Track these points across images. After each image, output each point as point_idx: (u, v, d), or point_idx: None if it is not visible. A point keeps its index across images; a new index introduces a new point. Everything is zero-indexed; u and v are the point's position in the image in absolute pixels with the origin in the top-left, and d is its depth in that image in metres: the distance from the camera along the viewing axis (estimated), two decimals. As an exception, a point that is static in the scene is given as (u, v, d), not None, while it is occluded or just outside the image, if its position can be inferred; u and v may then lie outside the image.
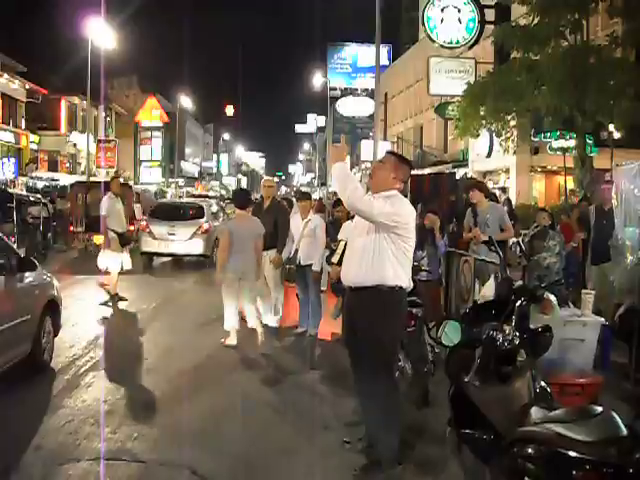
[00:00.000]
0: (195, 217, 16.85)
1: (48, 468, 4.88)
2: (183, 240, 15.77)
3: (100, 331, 9.35)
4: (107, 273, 11.36)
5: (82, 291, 12.77)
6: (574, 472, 2.71)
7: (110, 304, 11.14)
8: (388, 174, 4.92)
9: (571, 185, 17.60)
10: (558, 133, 19.10)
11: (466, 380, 3.67)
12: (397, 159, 5.11)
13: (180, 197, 43.07)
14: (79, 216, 19.98)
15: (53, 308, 7.65)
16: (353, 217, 7.87)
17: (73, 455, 5.08)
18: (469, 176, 24.78)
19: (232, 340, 8.61)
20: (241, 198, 8.98)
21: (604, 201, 9.29)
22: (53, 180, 31.05)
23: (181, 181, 63.25)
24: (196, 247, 15.87)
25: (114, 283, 11.34)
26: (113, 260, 11.28)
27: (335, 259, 6.17)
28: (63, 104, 44.12)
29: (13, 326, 6.37)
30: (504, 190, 20.51)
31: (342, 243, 5.78)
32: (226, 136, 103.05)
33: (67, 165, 44.97)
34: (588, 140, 16.50)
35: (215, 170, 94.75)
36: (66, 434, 5.49)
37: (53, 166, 42.49)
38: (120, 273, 11.43)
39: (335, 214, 9.77)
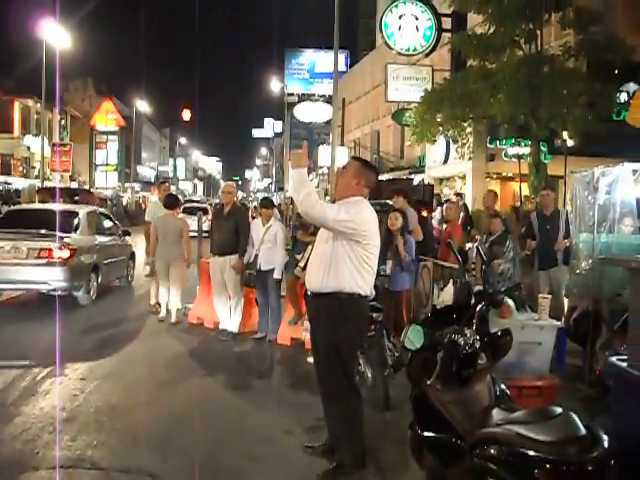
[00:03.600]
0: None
1: (6, 478, 4.79)
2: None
3: (54, 336, 9.17)
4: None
5: (40, 296, 12.59)
6: (536, 471, 2.78)
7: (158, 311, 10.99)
8: (351, 180, 4.91)
9: (526, 191, 17.89)
10: (513, 140, 19.40)
11: (428, 383, 3.72)
12: (361, 165, 5.08)
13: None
14: None
15: (133, 256, 14.80)
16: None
17: (31, 464, 4.99)
18: (426, 182, 25.05)
19: (162, 313, 10.63)
20: (170, 201, 10.98)
21: (544, 207, 9.53)
22: (7, 184, 30.46)
23: (137, 186, 62.56)
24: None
25: (154, 292, 11.16)
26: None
27: (302, 264, 6.18)
28: (16, 106, 43.35)
29: (122, 259, 13.83)
30: (460, 196, 20.74)
31: (309, 248, 5.79)
32: (183, 140, 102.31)
33: (21, 169, 44.15)
34: (542, 147, 16.80)
35: (171, 175, 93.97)
36: (24, 442, 5.39)
37: (6, 169, 41.69)
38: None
39: (303, 220, 9.75)
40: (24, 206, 14.77)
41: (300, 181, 4.69)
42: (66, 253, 10.93)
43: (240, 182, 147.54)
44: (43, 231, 11.12)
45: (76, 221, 11.98)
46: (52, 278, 10.82)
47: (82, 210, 12.75)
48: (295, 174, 4.72)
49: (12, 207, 15.96)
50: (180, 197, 65.56)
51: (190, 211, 26.33)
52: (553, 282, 8.95)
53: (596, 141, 15.63)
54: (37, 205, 15.59)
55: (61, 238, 10.99)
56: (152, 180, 75.02)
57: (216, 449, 5.43)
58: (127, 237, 14.32)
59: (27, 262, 10.79)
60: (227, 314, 9.52)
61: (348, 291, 4.71)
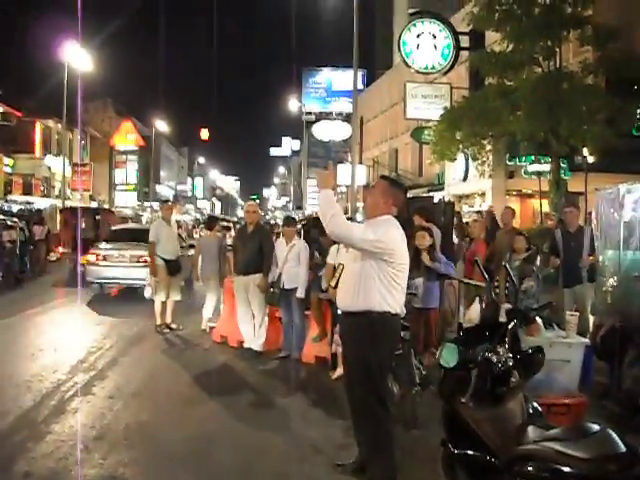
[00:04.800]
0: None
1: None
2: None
3: (83, 356, 9.28)
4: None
5: (64, 314, 12.72)
6: (576, 489, 2.80)
7: (162, 332, 11.08)
8: (379, 199, 4.96)
9: (546, 208, 17.86)
10: (533, 157, 19.40)
11: (462, 401, 3.74)
12: (388, 184, 5.13)
13: None
14: (68, 238, 21.14)
15: None
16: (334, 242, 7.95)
17: (65, 481, 5.06)
18: (447, 200, 25.02)
19: (204, 325, 11.27)
20: (209, 222, 12.83)
21: (569, 224, 9.52)
22: (28, 203, 30.84)
23: (156, 205, 62.98)
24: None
25: (158, 312, 11.21)
26: (159, 289, 11.17)
27: (333, 283, 6.22)
28: (38, 127, 43.83)
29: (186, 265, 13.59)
30: (480, 213, 20.69)
31: (340, 267, 5.82)
32: (201, 160, 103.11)
33: (41, 188, 44.63)
34: (562, 164, 16.78)
35: (190, 194, 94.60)
36: (56, 460, 5.45)
37: (27, 189, 42.17)
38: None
39: (323, 241, 9.80)
40: (124, 226, 19.43)
41: (327, 202, 4.73)
42: None
43: (258, 200, 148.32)
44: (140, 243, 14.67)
45: None
46: (146, 277, 13.44)
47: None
48: (322, 195, 4.77)
49: (116, 226, 19.45)
50: (198, 216, 66.15)
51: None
52: (578, 299, 8.93)
53: (616, 157, 15.62)
54: (132, 225, 21.46)
55: None
56: (170, 199, 75.61)
57: (246, 467, 5.46)
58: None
59: (129, 265, 14.76)
60: (251, 333, 9.56)
61: (378, 310, 4.74)
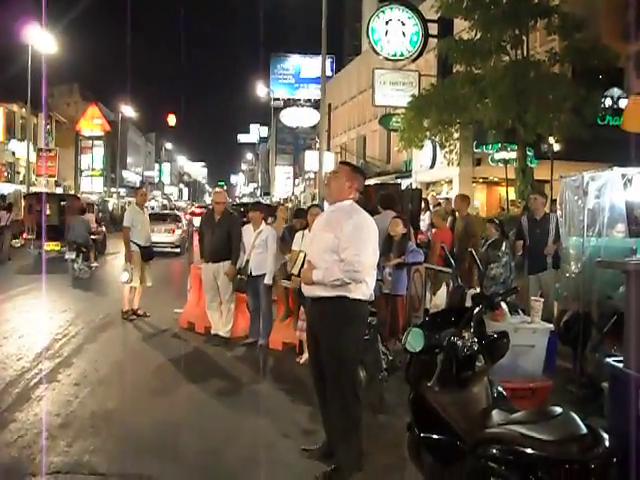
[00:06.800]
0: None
1: (3, 483, 4.80)
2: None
3: (48, 343, 9.17)
4: None
5: (29, 301, 12.55)
6: (539, 470, 2.84)
7: (129, 319, 10.98)
8: (343, 184, 5.00)
9: (512, 196, 18.05)
10: (499, 145, 19.56)
11: (428, 385, 3.77)
12: (351, 169, 5.20)
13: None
14: (32, 225, 21.09)
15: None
16: (306, 227, 7.98)
17: (29, 470, 4.97)
18: (413, 187, 25.15)
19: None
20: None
21: (535, 211, 9.63)
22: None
23: (122, 191, 62.29)
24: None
25: (126, 298, 11.09)
26: (133, 274, 10.95)
27: (295, 270, 6.20)
28: (1, 111, 42.98)
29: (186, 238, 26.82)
30: (448, 200, 20.85)
31: (301, 255, 5.80)
32: (168, 145, 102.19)
33: (5, 174, 43.81)
34: (528, 152, 16.95)
35: (157, 180, 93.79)
36: (19, 448, 5.37)
37: (-9, 174, 41.40)
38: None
39: (296, 224, 9.80)
40: (156, 211, 30.24)
41: (322, 279, 4.77)
42: (179, 231, 24.68)
43: (225, 187, 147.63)
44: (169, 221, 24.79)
45: (179, 217, 26.73)
46: (174, 241, 24.00)
47: (180, 213, 29.53)
48: (315, 279, 4.81)
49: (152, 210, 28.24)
50: (165, 202, 65.56)
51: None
52: (543, 286, 9.04)
53: (581, 146, 15.81)
54: (164, 211, 31.31)
55: (177, 224, 24.99)
56: (137, 185, 74.76)
57: (213, 453, 5.45)
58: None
59: (163, 233, 23.24)
60: (219, 319, 9.53)
61: (352, 296, 4.77)
